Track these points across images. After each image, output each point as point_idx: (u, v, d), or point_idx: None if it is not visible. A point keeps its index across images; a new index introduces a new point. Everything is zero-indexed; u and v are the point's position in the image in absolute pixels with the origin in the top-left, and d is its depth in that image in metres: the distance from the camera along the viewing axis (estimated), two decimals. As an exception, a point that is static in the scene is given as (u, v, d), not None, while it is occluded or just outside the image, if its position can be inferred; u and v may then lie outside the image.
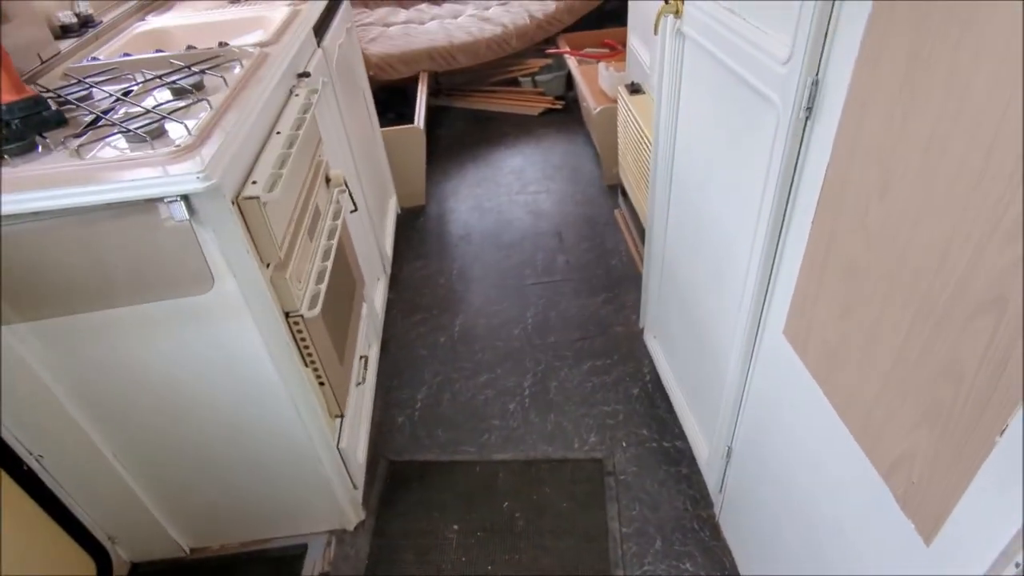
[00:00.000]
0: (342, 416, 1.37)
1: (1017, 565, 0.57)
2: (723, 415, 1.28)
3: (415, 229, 2.53)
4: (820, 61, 0.79)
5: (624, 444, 1.62)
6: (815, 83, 0.81)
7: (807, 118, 0.84)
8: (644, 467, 1.57)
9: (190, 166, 0.89)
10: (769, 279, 1.02)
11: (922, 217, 0.65)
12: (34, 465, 1.18)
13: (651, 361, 1.79)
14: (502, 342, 1.96)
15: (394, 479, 1.60)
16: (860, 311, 0.78)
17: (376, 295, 1.98)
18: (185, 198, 0.90)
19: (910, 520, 0.72)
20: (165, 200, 0.89)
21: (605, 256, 2.31)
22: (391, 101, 2.98)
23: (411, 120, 2.60)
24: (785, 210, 0.93)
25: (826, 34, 0.78)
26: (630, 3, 2.23)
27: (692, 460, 1.55)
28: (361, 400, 1.61)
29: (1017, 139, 0.52)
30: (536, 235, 2.45)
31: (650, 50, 1.99)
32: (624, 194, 2.39)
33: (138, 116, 1.04)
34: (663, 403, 1.70)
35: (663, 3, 1.22)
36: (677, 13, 1.18)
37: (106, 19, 1.56)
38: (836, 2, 0.75)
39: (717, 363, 1.29)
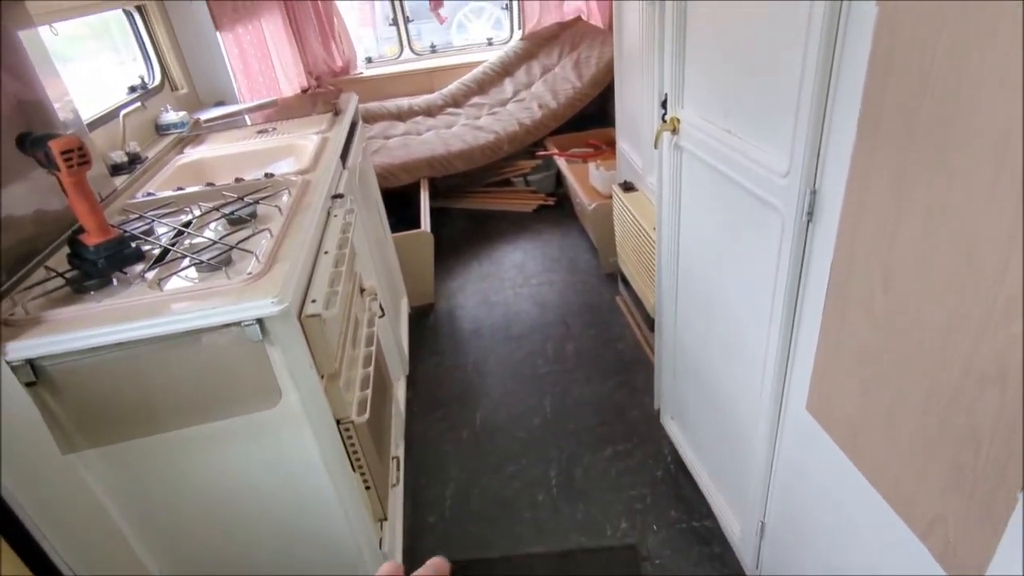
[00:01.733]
0: (385, 519, 1.41)
1: (1055, 610, 0.64)
2: (753, 490, 1.33)
3: (427, 327, 2.63)
4: (816, 173, 0.94)
5: (655, 527, 1.66)
6: (813, 192, 0.94)
7: (808, 221, 0.97)
8: (677, 549, 1.59)
9: (264, 291, 0.99)
10: (788, 359, 1.12)
11: (924, 306, 0.76)
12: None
13: (670, 442, 1.85)
14: (524, 432, 2.01)
15: (431, 580, 1.60)
16: (878, 390, 0.87)
17: (399, 394, 2.04)
18: (259, 320, 0.99)
19: (952, 578, 0.79)
20: (243, 324, 0.98)
21: (612, 341, 2.41)
22: (392, 205, 3.16)
23: (413, 222, 2.77)
24: (796, 299, 1.05)
25: (818, 152, 0.92)
26: (616, 111, 2.46)
27: (723, 538, 1.58)
28: (395, 502, 1.64)
29: (997, 241, 0.64)
30: (544, 325, 2.55)
31: (640, 153, 2.19)
32: (625, 281, 2.53)
33: (205, 247, 1.15)
34: (687, 483, 1.75)
35: (661, 121, 1.39)
36: (675, 131, 1.35)
37: (150, 154, 1.71)
38: (824, 127, 0.90)
39: (742, 440, 1.36)
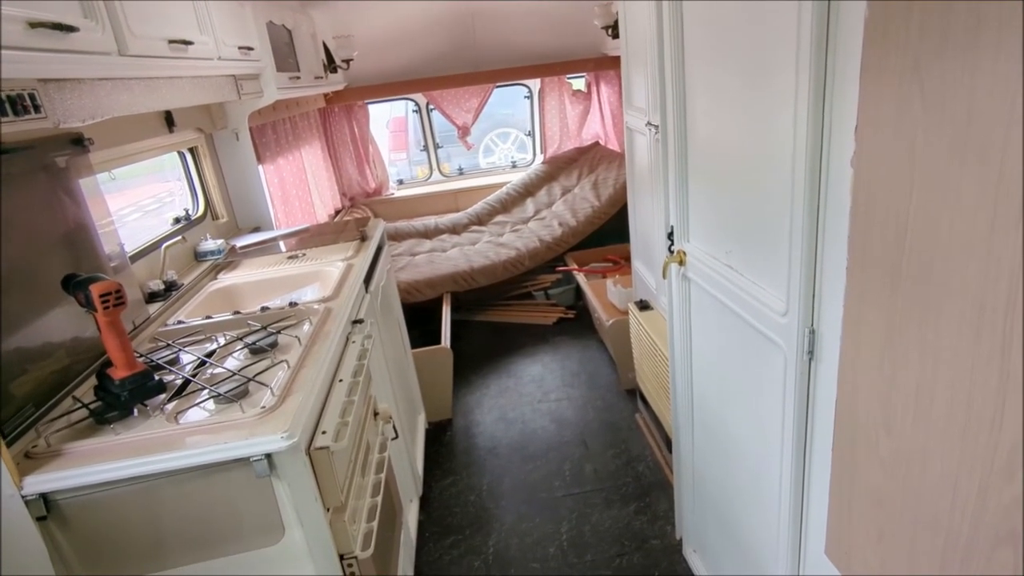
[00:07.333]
0: (388, 662, 1.33)
1: None
2: (781, 641, 1.24)
3: (443, 444, 2.60)
4: (813, 314, 0.96)
5: (680, 678, 1.53)
6: (812, 332, 0.96)
7: (810, 359, 0.98)
8: None
9: (275, 426, 1.02)
10: (802, 500, 1.08)
11: (928, 453, 0.75)
12: None
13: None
14: (538, 563, 1.92)
15: None
16: (894, 536, 0.84)
17: (410, 518, 1.99)
18: (268, 456, 1.01)
19: None
20: (251, 459, 1.00)
21: (632, 463, 2.34)
22: (415, 318, 3.23)
23: (435, 336, 2.82)
24: (806, 436, 1.03)
25: (813, 293, 0.95)
26: (631, 234, 2.55)
27: None
28: (401, 639, 1.55)
29: (989, 395, 0.64)
30: (561, 444, 2.51)
31: (654, 274, 2.24)
32: (644, 399, 2.49)
33: (225, 379, 1.19)
34: (714, 626, 1.63)
35: (669, 253, 1.44)
36: (681, 263, 1.39)
37: (186, 280, 1.81)
38: (817, 270, 0.93)
39: (765, 583, 1.28)
